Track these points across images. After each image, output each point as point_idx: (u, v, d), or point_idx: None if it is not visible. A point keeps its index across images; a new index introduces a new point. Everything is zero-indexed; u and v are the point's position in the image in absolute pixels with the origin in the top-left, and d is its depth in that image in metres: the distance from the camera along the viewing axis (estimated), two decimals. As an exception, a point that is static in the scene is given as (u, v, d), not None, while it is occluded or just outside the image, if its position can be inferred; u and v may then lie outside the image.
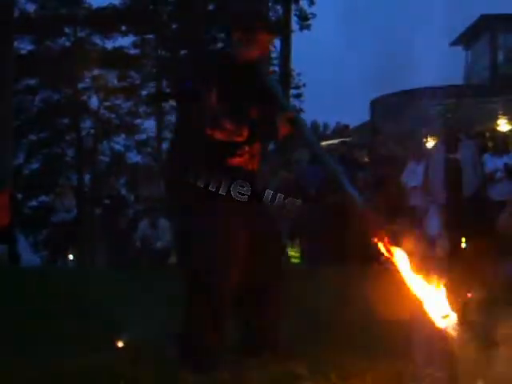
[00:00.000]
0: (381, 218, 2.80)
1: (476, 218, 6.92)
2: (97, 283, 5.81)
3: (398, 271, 2.67)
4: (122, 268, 7.15)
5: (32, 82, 17.41)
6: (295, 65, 17.19)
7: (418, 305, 2.64)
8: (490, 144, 7.76)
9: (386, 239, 2.68)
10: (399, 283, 2.67)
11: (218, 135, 2.85)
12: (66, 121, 17.98)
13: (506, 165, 7.25)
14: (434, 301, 2.64)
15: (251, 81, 2.96)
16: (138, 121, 18.22)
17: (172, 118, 17.71)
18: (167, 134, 18.02)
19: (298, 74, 18.31)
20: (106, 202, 9.35)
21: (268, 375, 2.71)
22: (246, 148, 2.95)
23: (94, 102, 17.97)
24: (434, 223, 7.48)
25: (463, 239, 7.42)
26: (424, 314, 2.64)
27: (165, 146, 17.57)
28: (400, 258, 2.67)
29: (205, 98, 2.82)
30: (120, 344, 3.38)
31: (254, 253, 2.92)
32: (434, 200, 7.36)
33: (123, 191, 10.35)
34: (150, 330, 3.61)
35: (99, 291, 5.26)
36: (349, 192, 2.81)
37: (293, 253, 10.36)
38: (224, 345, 2.94)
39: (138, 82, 17.79)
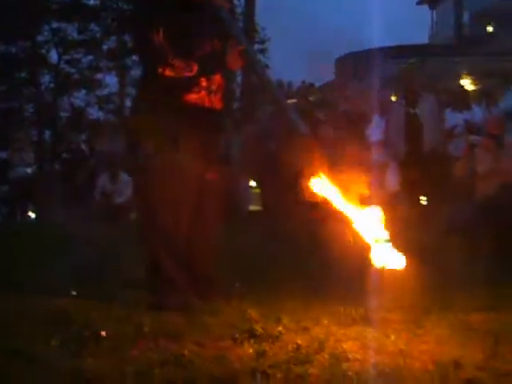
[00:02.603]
0: (320, 148, 2.84)
1: (435, 174, 6.98)
2: (53, 236, 5.74)
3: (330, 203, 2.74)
4: (80, 222, 7.07)
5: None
6: (261, 19, 16.99)
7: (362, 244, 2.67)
8: (450, 100, 7.78)
9: (321, 168, 2.73)
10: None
11: (168, 72, 2.85)
12: (24, 75, 17.48)
13: (465, 121, 7.28)
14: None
15: (202, 15, 2.94)
16: (100, 76, 17.85)
17: (135, 73, 17.35)
18: (131, 91, 17.67)
19: (263, 29, 18.10)
20: (66, 156, 9.18)
21: (221, 319, 2.71)
22: (203, 83, 2.93)
23: (53, 55, 17.52)
24: (393, 179, 7.54)
25: (422, 196, 7.50)
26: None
27: (128, 102, 17.28)
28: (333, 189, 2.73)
29: (152, 37, 2.81)
30: (74, 292, 3.36)
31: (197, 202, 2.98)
32: (394, 155, 7.41)
33: (84, 147, 10.13)
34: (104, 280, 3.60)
35: (56, 243, 5.20)
36: (293, 120, 2.85)
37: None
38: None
39: (98, 35, 17.32)
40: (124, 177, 8.59)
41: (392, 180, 7.54)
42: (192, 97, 2.92)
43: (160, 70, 2.86)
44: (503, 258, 4.21)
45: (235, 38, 2.95)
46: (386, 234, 2.67)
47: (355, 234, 2.69)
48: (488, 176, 5.00)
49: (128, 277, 3.58)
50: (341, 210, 2.73)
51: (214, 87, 2.99)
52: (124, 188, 8.47)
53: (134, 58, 16.90)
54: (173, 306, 2.87)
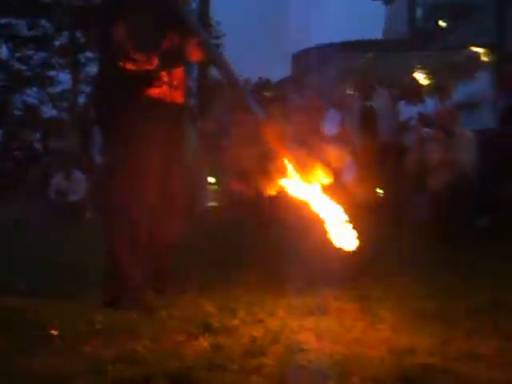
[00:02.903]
0: (281, 131, 2.86)
1: (390, 167, 7.07)
2: (6, 233, 5.61)
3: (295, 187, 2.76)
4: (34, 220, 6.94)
5: None
6: (217, 14, 16.89)
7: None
8: (404, 93, 7.87)
9: (286, 154, 2.75)
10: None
11: (128, 66, 2.85)
12: (-27, 72, 17.04)
13: (419, 113, 7.38)
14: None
15: (161, 9, 2.92)
16: (52, 73, 17.45)
17: (89, 70, 17.06)
18: (84, 88, 17.36)
19: (218, 24, 17.97)
20: (19, 154, 8.97)
21: (177, 313, 2.68)
22: (165, 78, 2.93)
23: (3, 52, 17.06)
24: (350, 171, 7.62)
25: (378, 187, 7.58)
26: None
27: (82, 99, 16.96)
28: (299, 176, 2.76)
29: (112, 31, 2.80)
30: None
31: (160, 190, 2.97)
32: (350, 148, 7.48)
33: (37, 145, 9.90)
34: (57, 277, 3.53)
35: (9, 240, 5.08)
36: (253, 108, 2.86)
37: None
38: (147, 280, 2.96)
39: (50, 31, 16.95)
40: (78, 174, 8.45)
41: (349, 173, 7.61)
42: (154, 91, 2.93)
43: (120, 64, 2.84)
44: (454, 246, 4.30)
45: (193, 31, 2.95)
46: (344, 217, 2.69)
47: (314, 219, 2.71)
48: (439, 167, 5.09)
49: (82, 274, 3.52)
50: (301, 196, 2.75)
51: (175, 82, 3.00)
52: (78, 186, 8.33)
53: (87, 54, 16.67)
54: (128, 303, 2.83)
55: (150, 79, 2.91)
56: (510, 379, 1.81)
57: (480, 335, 2.27)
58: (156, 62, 2.89)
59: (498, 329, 2.33)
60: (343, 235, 2.65)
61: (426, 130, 5.34)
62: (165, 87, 2.96)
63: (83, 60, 17.15)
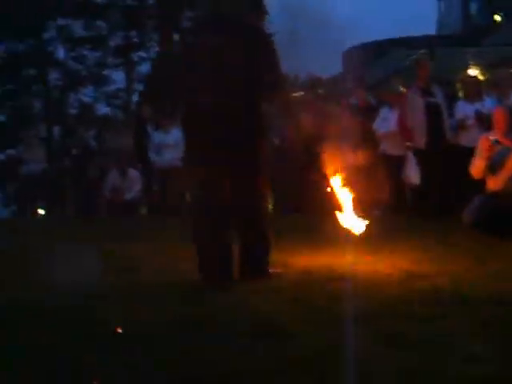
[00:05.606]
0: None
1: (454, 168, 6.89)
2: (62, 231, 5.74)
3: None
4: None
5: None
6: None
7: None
8: (460, 91, 7.67)
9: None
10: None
11: None
12: (32, 72, 17.46)
13: (476, 112, 7.19)
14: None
15: None
16: (106, 72, 17.80)
17: (141, 69, 17.35)
18: (137, 86, 17.65)
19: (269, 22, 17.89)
20: (75, 152, 9.16)
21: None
22: None
23: (60, 52, 17.49)
24: (414, 171, 7.35)
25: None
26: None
27: (135, 98, 17.24)
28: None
29: None
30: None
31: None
32: (413, 146, 7.33)
33: (92, 143, 10.13)
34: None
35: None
36: None
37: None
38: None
39: (105, 32, 17.30)
40: (132, 172, 8.56)
41: (412, 173, 7.33)
42: None
43: None
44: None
45: None
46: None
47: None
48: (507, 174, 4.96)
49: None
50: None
51: None
52: (133, 184, 8.45)
53: (140, 53, 16.92)
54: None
55: None
56: None
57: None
58: None
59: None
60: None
61: (491, 136, 5.18)
62: None
63: (136, 59, 17.45)
